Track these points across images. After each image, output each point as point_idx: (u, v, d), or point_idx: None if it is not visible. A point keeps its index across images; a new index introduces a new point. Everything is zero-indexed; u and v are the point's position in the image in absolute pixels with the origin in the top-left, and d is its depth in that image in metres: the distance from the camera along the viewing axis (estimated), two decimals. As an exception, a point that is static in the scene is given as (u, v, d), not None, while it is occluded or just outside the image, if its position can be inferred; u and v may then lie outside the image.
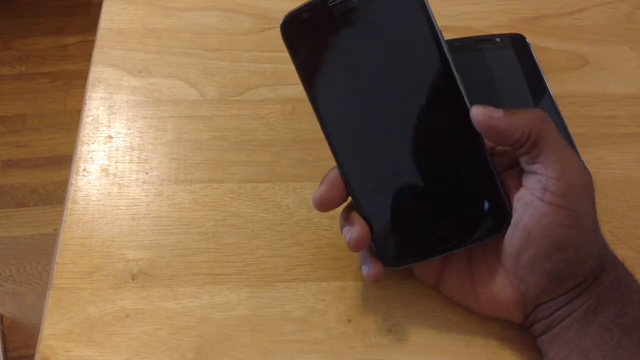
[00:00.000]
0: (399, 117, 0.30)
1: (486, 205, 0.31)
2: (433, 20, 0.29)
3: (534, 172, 0.29)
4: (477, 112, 0.29)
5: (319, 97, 0.30)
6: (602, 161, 0.40)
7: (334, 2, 0.29)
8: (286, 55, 0.30)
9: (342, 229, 0.31)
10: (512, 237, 0.30)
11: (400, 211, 0.31)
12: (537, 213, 0.28)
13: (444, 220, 0.31)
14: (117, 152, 0.40)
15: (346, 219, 0.31)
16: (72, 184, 0.38)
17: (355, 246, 0.30)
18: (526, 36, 0.45)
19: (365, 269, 0.31)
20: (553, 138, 0.29)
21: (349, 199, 0.32)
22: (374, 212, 0.31)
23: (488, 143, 0.31)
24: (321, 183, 0.31)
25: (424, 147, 0.31)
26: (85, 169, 0.39)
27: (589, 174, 0.29)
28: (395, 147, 0.31)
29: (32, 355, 0.32)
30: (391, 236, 0.31)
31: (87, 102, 0.43)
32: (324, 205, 0.31)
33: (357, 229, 0.30)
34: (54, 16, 1.56)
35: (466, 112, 0.30)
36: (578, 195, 0.28)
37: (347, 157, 0.31)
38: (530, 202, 0.29)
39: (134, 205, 0.38)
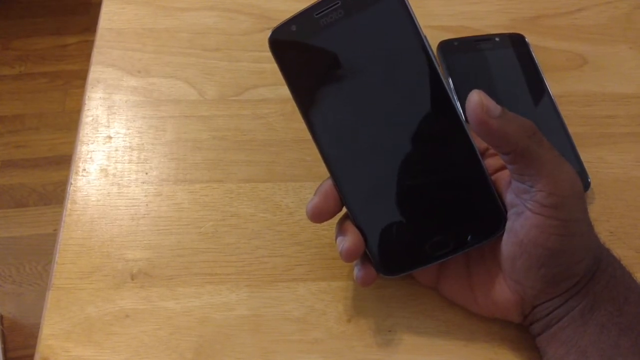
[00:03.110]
0: (389, 125, 0.31)
1: (480, 208, 0.31)
2: (418, 27, 0.30)
3: (524, 183, 0.29)
4: (475, 100, 0.28)
5: (310, 108, 0.31)
6: (601, 161, 0.40)
7: (321, 14, 0.29)
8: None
9: (336, 239, 0.31)
10: (507, 243, 0.30)
11: (395, 219, 0.31)
12: (528, 223, 0.28)
13: (439, 226, 0.31)
14: (117, 152, 0.40)
15: (340, 229, 0.31)
16: (71, 184, 0.38)
17: (347, 256, 0.30)
18: (525, 36, 0.45)
19: (356, 272, 0.32)
20: (542, 151, 0.28)
21: (344, 209, 0.32)
22: (368, 221, 0.31)
23: (479, 145, 0.31)
24: (315, 194, 0.31)
25: (415, 154, 0.31)
26: (84, 169, 0.39)
27: (579, 181, 0.29)
28: (387, 156, 0.31)
29: (32, 355, 0.32)
30: (387, 245, 0.31)
31: (86, 102, 0.43)
32: (318, 216, 0.31)
33: (349, 240, 0.30)
34: (53, 16, 1.56)
35: (455, 116, 0.30)
36: (569, 205, 0.28)
37: (339, 167, 0.31)
38: (521, 211, 0.29)
39: (134, 206, 0.38)
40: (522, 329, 0.32)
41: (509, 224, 0.30)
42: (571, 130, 0.40)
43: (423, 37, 0.30)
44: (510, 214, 0.30)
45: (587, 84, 0.45)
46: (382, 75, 0.30)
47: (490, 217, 0.31)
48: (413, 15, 0.30)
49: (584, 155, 0.39)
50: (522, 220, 0.29)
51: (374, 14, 0.29)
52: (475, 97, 0.28)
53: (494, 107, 0.28)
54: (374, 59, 0.30)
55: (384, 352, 0.33)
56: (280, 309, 0.34)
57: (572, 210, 0.28)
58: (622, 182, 0.40)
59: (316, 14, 0.29)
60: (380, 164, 0.31)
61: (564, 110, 0.41)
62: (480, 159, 0.30)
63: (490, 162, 0.32)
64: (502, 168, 0.31)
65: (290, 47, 0.30)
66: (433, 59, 0.30)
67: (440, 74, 0.30)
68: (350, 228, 0.31)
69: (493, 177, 0.31)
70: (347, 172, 0.31)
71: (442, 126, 0.30)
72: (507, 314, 0.32)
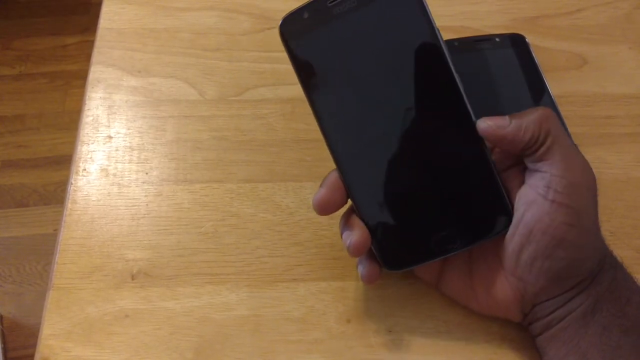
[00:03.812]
0: (399, 118, 0.30)
1: (487, 205, 0.31)
2: (432, 20, 0.29)
3: (538, 170, 0.29)
4: (484, 126, 0.29)
5: (318, 98, 0.30)
6: (601, 161, 0.40)
7: (334, 2, 0.29)
8: (286, 55, 0.30)
9: (341, 233, 0.31)
10: (513, 235, 0.30)
11: (401, 214, 0.31)
12: (540, 211, 0.28)
13: (445, 222, 0.31)
14: (117, 152, 0.40)
15: (346, 223, 0.31)
16: (71, 184, 0.38)
17: (355, 251, 0.30)
18: (526, 36, 0.45)
19: (360, 269, 0.32)
20: (559, 136, 0.29)
21: (349, 201, 0.31)
22: (374, 215, 0.31)
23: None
24: (321, 186, 0.31)
25: (424, 149, 0.31)
26: (85, 169, 0.39)
27: (593, 174, 0.29)
28: (396, 149, 0.30)
29: (32, 355, 0.32)
30: (393, 239, 0.31)
31: (86, 102, 0.43)
32: (324, 208, 0.31)
33: (356, 234, 0.30)
34: (53, 16, 1.56)
35: (466, 112, 0.30)
36: (581, 194, 0.28)
37: (347, 159, 0.31)
38: (533, 199, 0.29)
39: (134, 206, 0.38)
40: (522, 328, 0.32)
41: (517, 215, 0.30)
42: (571, 130, 0.40)
43: (436, 29, 0.29)
44: (520, 204, 0.30)
45: (587, 84, 0.45)
46: (393, 67, 0.30)
47: (497, 213, 0.30)
48: (426, 7, 0.29)
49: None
50: (534, 208, 0.29)
51: (387, 5, 0.29)
52: (482, 124, 0.30)
53: (502, 119, 0.29)
54: (386, 51, 0.30)
55: (384, 352, 0.33)
56: (280, 309, 0.34)
57: (583, 200, 0.28)
58: (621, 183, 0.40)
59: (329, 3, 0.29)
60: (388, 157, 0.31)
61: (564, 111, 0.41)
62: (490, 155, 0.30)
63: (500, 159, 0.32)
64: (512, 166, 0.31)
65: (301, 35, 0.30)
66: (446, 52, 0.29)
67: (452, 69, 0.29)
68: (357, 222, 0.31)
69: (502, 175, 0.31)
70: (354, 165, 0.31)
71: (451, 121, 0.30)
72: (507, 312, 0.32)
